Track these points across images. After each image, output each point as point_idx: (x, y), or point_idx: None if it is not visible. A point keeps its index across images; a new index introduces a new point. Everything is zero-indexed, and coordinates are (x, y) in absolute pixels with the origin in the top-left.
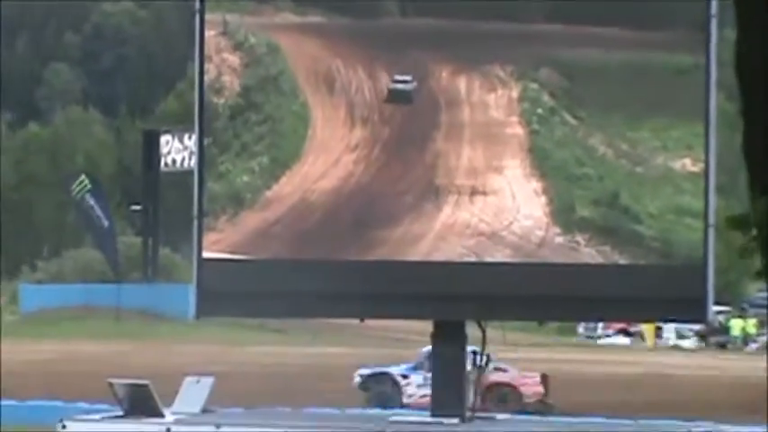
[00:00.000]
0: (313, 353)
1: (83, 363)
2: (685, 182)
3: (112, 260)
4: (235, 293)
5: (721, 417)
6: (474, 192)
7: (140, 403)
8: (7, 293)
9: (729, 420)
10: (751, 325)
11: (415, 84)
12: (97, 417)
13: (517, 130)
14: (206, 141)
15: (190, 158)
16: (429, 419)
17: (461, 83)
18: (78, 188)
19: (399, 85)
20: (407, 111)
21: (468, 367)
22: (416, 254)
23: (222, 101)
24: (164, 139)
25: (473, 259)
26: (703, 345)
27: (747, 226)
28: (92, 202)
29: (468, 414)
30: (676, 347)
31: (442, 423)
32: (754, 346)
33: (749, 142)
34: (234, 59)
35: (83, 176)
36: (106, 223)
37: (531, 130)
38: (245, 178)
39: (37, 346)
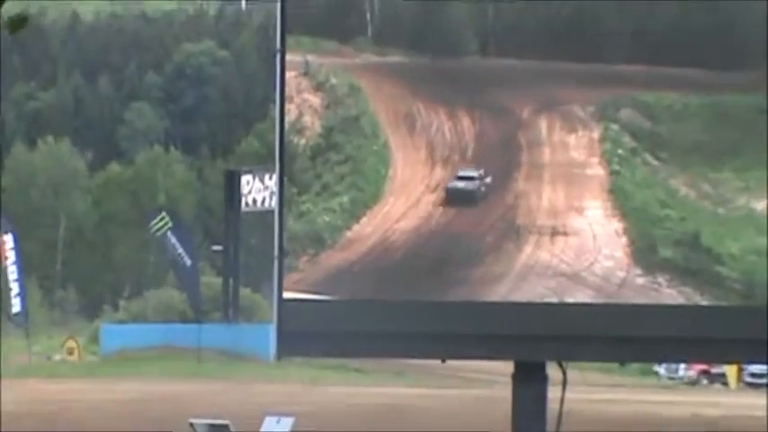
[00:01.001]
0: (394, 393)
1: (163, 402)
2: None
3: (194, 300)
4: (315, 333)
5: None
6: (555, 232)
7: None
8: (87, 334)
9: None
10: None
11: (479, 181)
12: None
13: (598, 170)
14: (286, 181)
15: (270, 198)
16: None
17: (542, 123)
18: (159, 225)
19: (461, 183)
20: (488, 151)
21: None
22: (497, 294)
23: (303, 141)
24: (245, 178)
25: (554, 300)
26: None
27: None
28: (173, 240)
29: None
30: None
31: None
32: None
33: None
34: (315, 100)
35: (163, 213)
36: (189, 262)
37: (612, 170)
38: (326, 218)
39: (117, 386)
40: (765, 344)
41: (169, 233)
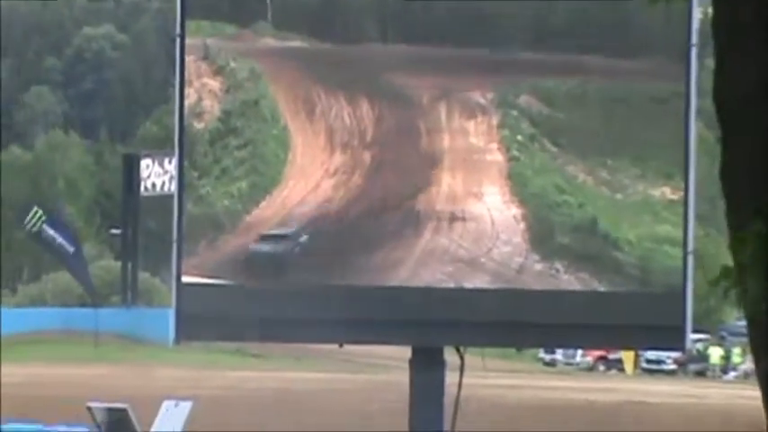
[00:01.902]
0: (292, 377)
1: (61, 386)
2: (664, 210)
3: (86, 284)
4: (214, 318)
5: None
6: (454, 218)
7: (119, 427)
8: None
9: None
10: (736, 354)
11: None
12: None
13: (497, 156)
14: (186, 165)
15: (170, 182)
16: None
17: (442, 109)
18: (33, 221)
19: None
20: (387, 137)
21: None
22: (396, 279)
23: (202, 125)
24: (144, 163)
25: (452, 285)
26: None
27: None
28: (51, 231)
29: None
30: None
31: None
32: (732, 374)
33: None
34: (214, 84)
35: (35, 208)
36: (71, 249)
37: (510, 156)
38: (226, 202)
39: (15, 370)
40: (662, 330)
41: (45, 226)
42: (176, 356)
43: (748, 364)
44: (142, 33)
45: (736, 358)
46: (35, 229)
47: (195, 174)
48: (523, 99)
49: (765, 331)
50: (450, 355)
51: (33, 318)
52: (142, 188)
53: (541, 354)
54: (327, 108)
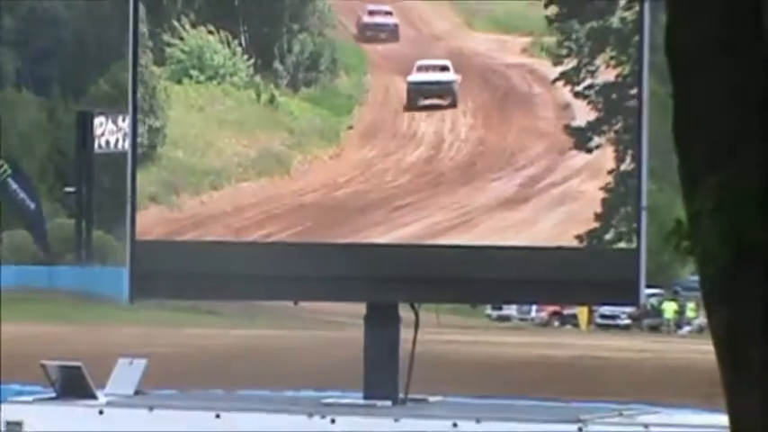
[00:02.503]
0: (246, 335)
1: (14, 344)
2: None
3: (42, 242)
4: (168, 275)
5: (654, 399)
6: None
7: (73, 385)
8: None
9: (661, 403)
10: (690, 309)
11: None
12: (30, 398)
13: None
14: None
15: (124, 140)
16: (362, 402)
17: None
18: None
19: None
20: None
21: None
22: (362, 236)
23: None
24: (97, 120)
25: (406, 242)
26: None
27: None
28: (14, 185)
29: (400, 396)
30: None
31: (375, 405)
32: (686, 329)
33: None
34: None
35: (1, 161)
36: (32, 205)
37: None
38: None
39: None
40: (616, 285)
41: (9, 180)
42: (130, 315)
43: (702, 319)
44: None
45: (690, 313)
46: (0, 181)
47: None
48: None
49: (717, 285)
50: (404, 312)
51: None
52: (96, 146)
53: (488, 310)
54: None
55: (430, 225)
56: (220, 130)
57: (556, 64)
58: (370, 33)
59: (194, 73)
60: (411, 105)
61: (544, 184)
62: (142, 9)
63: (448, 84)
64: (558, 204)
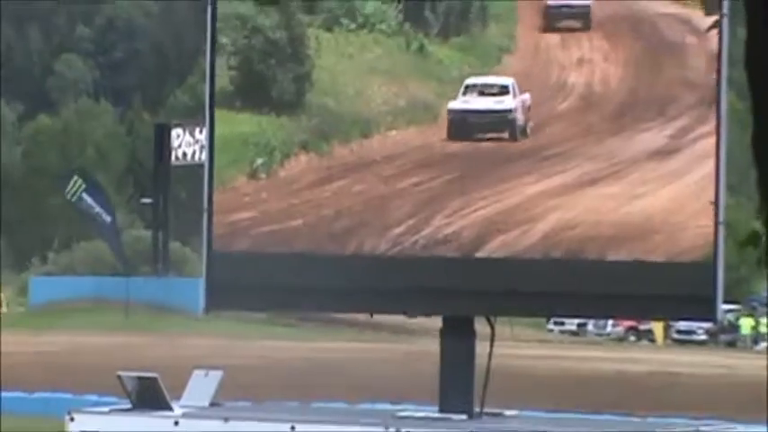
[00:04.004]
0: (322, 347)
1: (91, 355)
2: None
3: (119, 254)
4: (244, 287)
5: (728, 415)
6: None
7: (149, 396)
8: (16, 286)
9: (736, 419)
10: (764, 324)
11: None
12: (105, 409)
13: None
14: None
15: (200, 152)
16: (437, 415)
17: None
18: (73, 189)
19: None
20: None
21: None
22: (434, 249)
23: None
24: (174, 132)
25: (483, 255)
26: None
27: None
28: (90, 200)
29: (476, 410)
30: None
31: (450, 419)
32: (763, 344)
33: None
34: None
35: (75, 177)
36: (108, 219)
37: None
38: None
39: (45, 338)
40: (693, 300)
41: (84, 195)
42: (206, 326)
43: None
44: (173, 1)
45: (763, 328)
46: (75, 197)
47: None
48: None
49: None
50: (479, 325)
51: (64, 287)
52: (173, 157)
53: (550, 325)
54: None
55: (579, 175)
56: (370, 78)
57: (708, 14)
58: None
59: (345, 21)
60: (547, 27)
61: (694, 135)
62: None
63: (584, 7)
64: (708, 156)
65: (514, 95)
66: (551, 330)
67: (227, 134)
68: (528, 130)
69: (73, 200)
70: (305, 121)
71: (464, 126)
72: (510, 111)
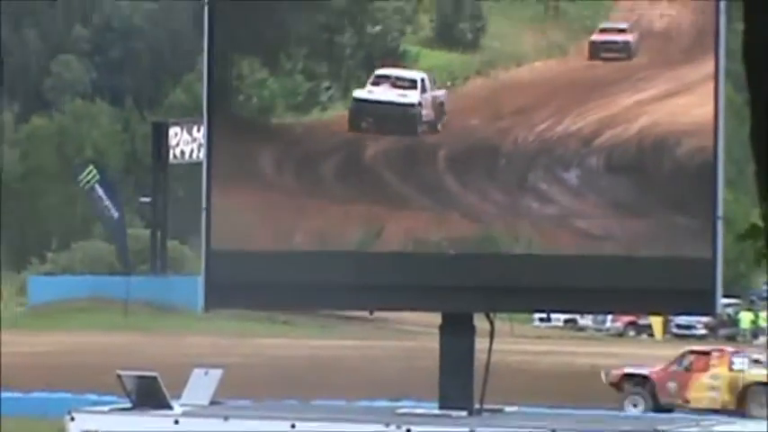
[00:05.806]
0: (321, 345)
1: (91, 355)
2: None
3: (122, 252)
4: (243, 285)
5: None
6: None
7: (148, 395)
8: (15, 285)
9: (736, 414)
10: (763, 318)
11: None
12: (105, 408)
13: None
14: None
15: (198, 150)
16: (437, 412)
17: None
18: (87, 178)
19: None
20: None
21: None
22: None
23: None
24: (172, 131)
25: (482, 251)
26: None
27: (758, 233)
28: (101, 192)
29: (476, 407)
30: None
31: (450, 415)
32: (762, 338)
33: (756, 134)
34: None
35: (91, 167)
36: (116, 214)
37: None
38: None
39: (44, 338)
40: (692, 295)
41: (96, 186)
42: (206, 324)
43: None
44: (170, 1)
45: (762, 322)
46: (87, 186)
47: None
48: None
49: None
50: (479, 321)
51: (63, 286)
52: (171, 156)
53: (536, 322)
54: None
55: None
56: None
57: None
58: None
59: None
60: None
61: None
62: None
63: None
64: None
65: (423, 90)
66: (537, 327)
67: None
68: (439, 126)
69: (85, 188)
70: None
71: (364, 117)
72: (413, 105)
